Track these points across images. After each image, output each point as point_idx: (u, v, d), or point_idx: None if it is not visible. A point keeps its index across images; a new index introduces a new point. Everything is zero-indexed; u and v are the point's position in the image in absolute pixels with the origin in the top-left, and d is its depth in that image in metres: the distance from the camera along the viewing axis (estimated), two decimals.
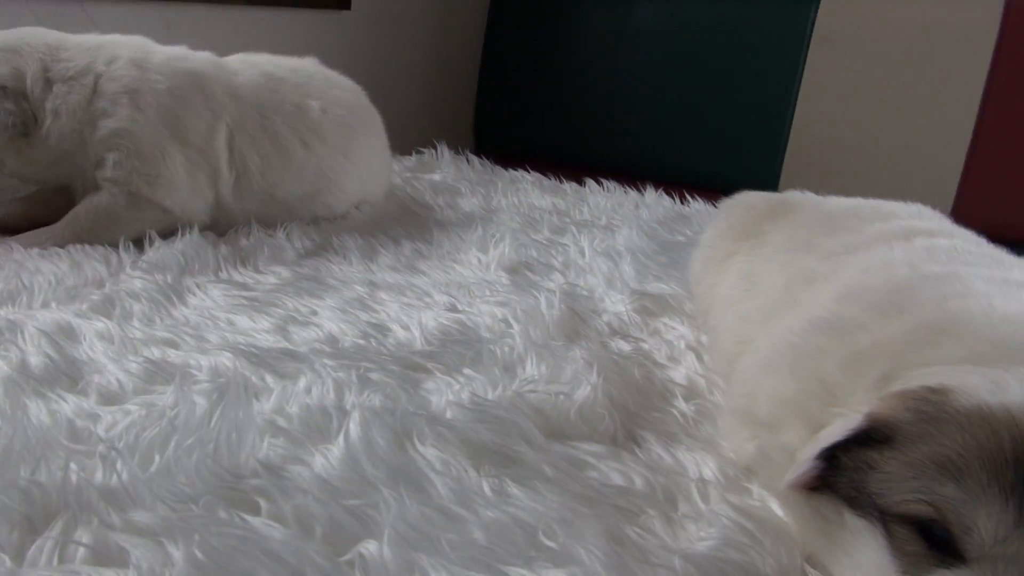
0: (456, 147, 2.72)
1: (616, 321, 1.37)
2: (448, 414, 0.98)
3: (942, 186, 2.73)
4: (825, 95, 2.89)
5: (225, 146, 1.66)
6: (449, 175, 2.46)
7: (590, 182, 2.45)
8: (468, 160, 2.64)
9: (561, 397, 1.03)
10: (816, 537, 0.75)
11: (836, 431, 0.73)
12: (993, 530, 0.60)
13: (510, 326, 1.28)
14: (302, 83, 1.85)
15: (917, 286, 0.85)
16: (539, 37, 3.10)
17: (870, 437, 0.71)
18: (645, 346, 1.27)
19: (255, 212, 1.72)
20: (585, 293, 1.49)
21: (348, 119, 1.89)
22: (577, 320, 1.31)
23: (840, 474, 0.72)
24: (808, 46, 2.88)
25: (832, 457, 0.73)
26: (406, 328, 1.27)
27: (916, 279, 0.87)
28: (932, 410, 0.68)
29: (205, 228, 1.66)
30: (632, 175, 2.57)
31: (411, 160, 2.63)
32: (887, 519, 0.67)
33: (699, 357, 1.24)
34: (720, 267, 1.25)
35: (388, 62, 3.04)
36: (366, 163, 1.96)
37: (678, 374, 1.17)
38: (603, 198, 2.30)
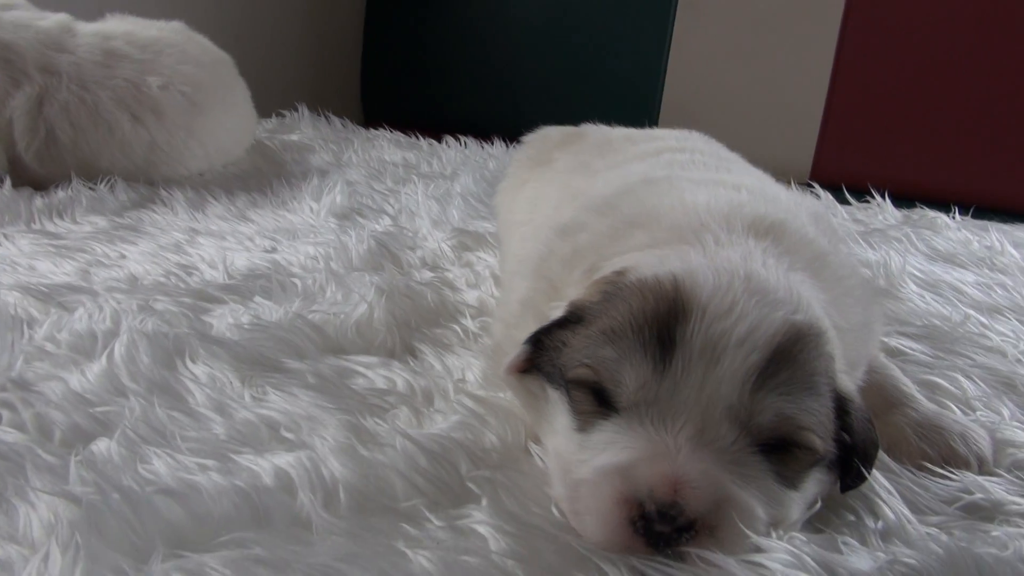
0: (342, 115, 2.72)
1: (430, 256, 1.42)
2: (227, 335, 1.01)
3: (803, 139, 2.91)
4: (693, 57, 3.02)
5: (24, 114, 1.68)
6: (307, 135, 2.46)
7: (449, 139, 2.49)
8: (329, 120, 2.64)
9: (341, 316, 1.07)
10: (531, 413, 0.82)
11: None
12: (635, 380, 0.68)
13: (319, 263, 1.31)
14: (147, 60, 1.87)
15: (634, 189, 0.93)
16: (421, 4, 3.13)
17: (568, 320, 0.78)
18: (449, 275, 1.32)
19: (74, 177, 1.73)
20: (409, 233, 1.54)
21: (196, 96, 1.91)
22: (386, 255, 1.35)
23: (543, 355, 0.79)
24: (675, 11, 3.00)
25: (539, 342, 0.80)
26: (213, 267, 1.28)
27: (636, 183, 0.95)
28: (611, 289, 0.76)
29: (22, 184, 1.65)
30: (516, 138, 2.65)
31: (271, 122, 2.61)
32: (569, 387, 0.74)
33: (498, 282, 1.30)
34: (515, 194, 1.32)
35: (264, 31, 3.01)
36: (215, 139, 1.97)
37: (471, 296, 1.23)
38: (456, 152, 2.35)
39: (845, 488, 0.75)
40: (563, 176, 1.19)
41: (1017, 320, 1.27)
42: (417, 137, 2.52)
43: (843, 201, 2.10)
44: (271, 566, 0.61)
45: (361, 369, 0.98)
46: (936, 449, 0.84)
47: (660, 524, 0.63)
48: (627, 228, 0.85)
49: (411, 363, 1.02)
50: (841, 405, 0.73)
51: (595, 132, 1.35)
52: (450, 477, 0.76)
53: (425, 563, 0.63)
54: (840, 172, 2.84)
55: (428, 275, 1.30)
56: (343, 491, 0.72)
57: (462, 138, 2.49)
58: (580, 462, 0.71)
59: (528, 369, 0.82)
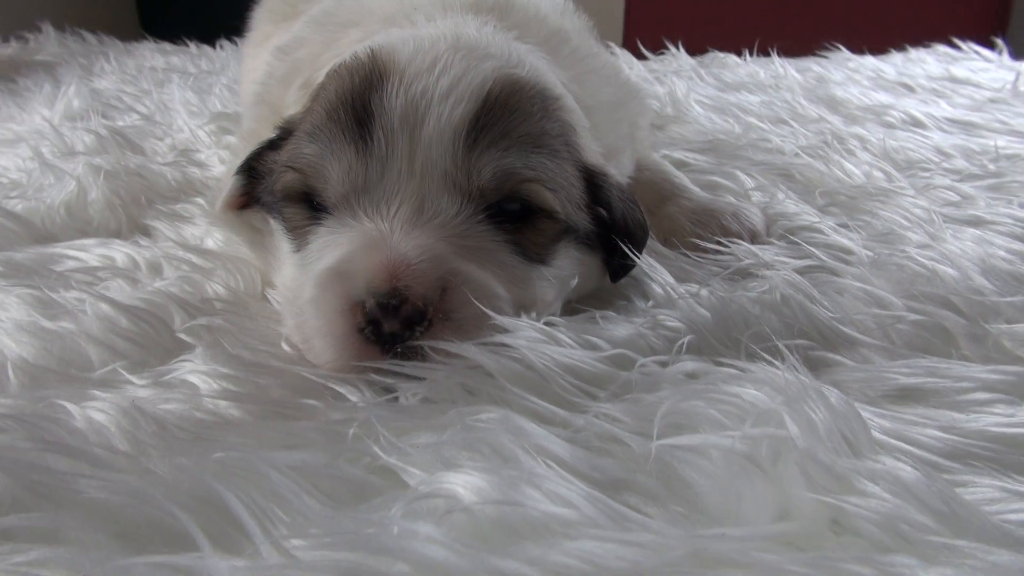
0: (117, 33, 2.38)
1: (183, 143, 1.24)
2: None
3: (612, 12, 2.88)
4: None
5: None
6: (52, 54, 2.14)
7: (225, 42, 2.24)
8: (83, 38, 2.31)
9: (45, 203, 0.90)
10: (258, 253, 0.70)
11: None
12: (339, 169, 0.58)
13: (35, 162, 1.11)
14: None
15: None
16: None
17: (280, 139, 0.67)
18: (200, 156, 1.16)
19: None
20: (162, 126, 1.34)
21: None
22: (124, 144, 1.16)
23: (260, 185, 0.67)
24: None
25: (252, 171, 0.68)
26: None
27: None
28: (317, 90, 0.65)
29: None
30: None
31: (9, 47, 2.25)
32: (280, 206, 0.63)
33: None
34: (258, 51, 1.16)
35: None
36: None
37: (222, 171, 1.08)
38: (231, 52, 2.12)
39: (615, 276, 0.69)
40: (306, 20, 1.04)
41: (797, 123, 1.27)
42: (187, 44, 2.25)
43: (641, 57, 2.06)
44: None
45: (72, 252, 0.82)
46: (709, 230, 0.80)
47: (387, 320, 0.54)
48: (342, 30, 0.74)
49: (140, 241, 0.87)
50: (592, 179, 0.66)
51: None
52: (158, 334, 0.63)
53: (96, 415, 0.50)
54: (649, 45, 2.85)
55: (172, 157, 1.13)
56: (12, 370, 0.58)
57: (239, 40, 2.24)
58: (302, 284, 0.60)
59: (247, 204, 0.70)
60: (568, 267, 0.64)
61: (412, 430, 0.50)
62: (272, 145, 0.67)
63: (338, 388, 0.57)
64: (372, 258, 0.54)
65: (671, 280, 0.67)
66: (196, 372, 0.58)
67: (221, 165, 1.11)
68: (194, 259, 0.75)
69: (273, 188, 0.63)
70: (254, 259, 0.73)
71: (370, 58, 0.60)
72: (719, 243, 0.77)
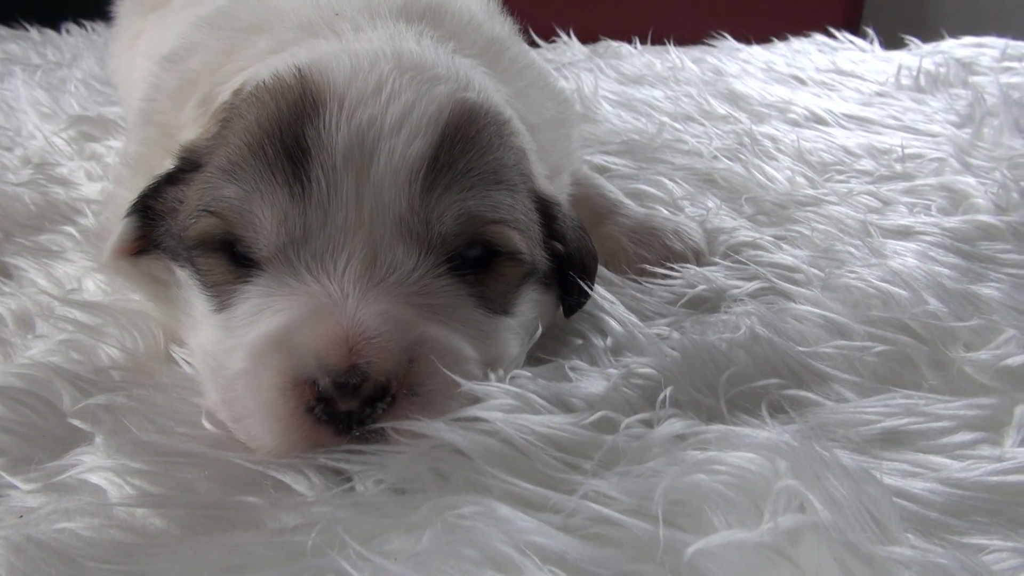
0: None
1: (37, 154, 1.07)
2: None
3: None
4: None
5: None
6: None
7: (71, 25, 2.00)
8: None
9: None
10: (161, 306, 0.60)
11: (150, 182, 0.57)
12: (271, 216, 0.49)
13: None
14: None
15: None
16: None
17: (182, 171, 0.56)
18: (63, 170, 1.01)
19: None
20: (8, 132, 1.16)
21: None
22: None
23: (159, 227, 0.57)
24: None
25: (147, 209, 0.57)
26: None
27: None
28: (228, 114, 0.55)
29: None
30: None
31: None
32: (194, 256, 0.53)
33: None
34: (130, 51, 1.02)
35: None
36: None
37: (94, 190, 0.94)
38: (80, 38, 1.89)
39: (569, 311, 0.64)
40: (184, 13, 0.92)
41: (708, 122, 1.26)
42: (26, 28, 1.99)
43: (531, 44, 2.01)
44: None
45: None
46: (653, 251, 0.77)
47: (343, 401, 0.46)
48: (245, 37, 0.63)
49: (1, 286, 0.73)
50: (547, 210, 0.60)
51: None
52: (44, 420, 0.52)
53: None
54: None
55: (27, 174, 0.97)
56: None
57: (88, 23, 2.01)
58: (229, 350, 0.51)
59: (144, 249, 0.59)
60: (530, 312, 0.58)
61: (382, 532, 0.43)
62: (171, 179, 0.57)
63: (280, 477, 0.48)
64: (323, 328, 0.46)
65: (632, 319, 0.63)
66: (99, 470, 0.48)
67: (90, 182, 0.97)
68: (76, 315, 0.64)
69: (182, 234, 0.53)
70: (155, 312, 0.62)
71: (298, 80, 0.51)
72: (669, 267, 0.73)
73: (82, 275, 0.74)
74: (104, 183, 0.96)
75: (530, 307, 0.58)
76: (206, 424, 0.52)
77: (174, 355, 0.60)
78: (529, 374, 0.55)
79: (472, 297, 0.52)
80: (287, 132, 0.48)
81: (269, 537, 0.43)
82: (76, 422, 0.52)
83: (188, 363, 0.58)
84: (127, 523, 0.44)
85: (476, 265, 0.52)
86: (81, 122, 1.17)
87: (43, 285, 0.72)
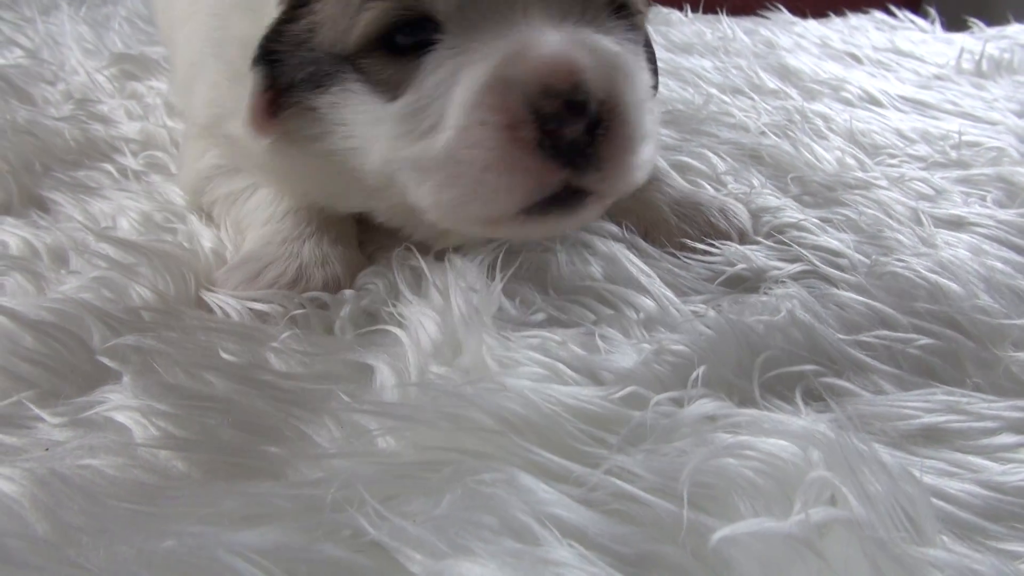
0: None
1: (79, 89, 1.07)
2: None
3: None
4: None
5: None
6: None
7: None
8: None
9: None
10: (317, 163, 0.61)
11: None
12: None
13: None
14: None
15: None
16: None
17: (295, 10, 0.57)
18: (103, 108, 1.01)
19: None
20: (51, 66, 1.16)
21: None
22: (8, 91, 0.99)
23: (288, 70, 0.58)
24: None
25: (273, 62, 0.58)
26: None
27: None
28: None
29: None
30: None
31: None
32: (355, 63, 0.54)
33: (172, 110, 1.01)
34: None
35: None
36: None
37: (133, 129, 0.94)
38: None
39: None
40: None
41: (757, 96, 1.22)
42: None
43: None
44: None
45: None
46: (696, 227, 0.74)
47: (572, 124, 0.48)
48: None
49: (36, 217, 0.74)
50: None
51: None
52: (73, 356, 0.53)
53: (3, 487, 0.40)
54: None
55: (68, 109, 0.97)
56: None
57: None
58: (429, 128, 0.52)
59: (275, 112, 0.59)
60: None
61: (402, 492, 0.43)
62: (289, 14, 0.57)
63: (304, 428, 0.48)
64: (535, 57, 0.48)
65: (668, 293, 0.61)
66: (125, 409, 0.48)
67: (130, 121, 0.97)
68: (110, 252, 0.64)
69: (340, 44, 0.54)
70: (188, 259, 0.62)
71: None
72: (710, 244, 0.71)
73: (117, 213, 0.74)
74: (142, 123, 0.96)
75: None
76: (223, 355, 0.52)
77: (205, 299, 0.60)
78: (559, 339, 0.54)
79: (629, 39, 0.55)
80: None
81: (288, 489, 0.42)
82: (105, 360, 0.52)
83: (221, 309, 0.58)
84: (150, 464, 0.45)
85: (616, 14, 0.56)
86: (123, 60, 1.17)
87: (79, 221, 0.73)
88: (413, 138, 0.53)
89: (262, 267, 0.62)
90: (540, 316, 0.60)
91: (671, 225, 0.74)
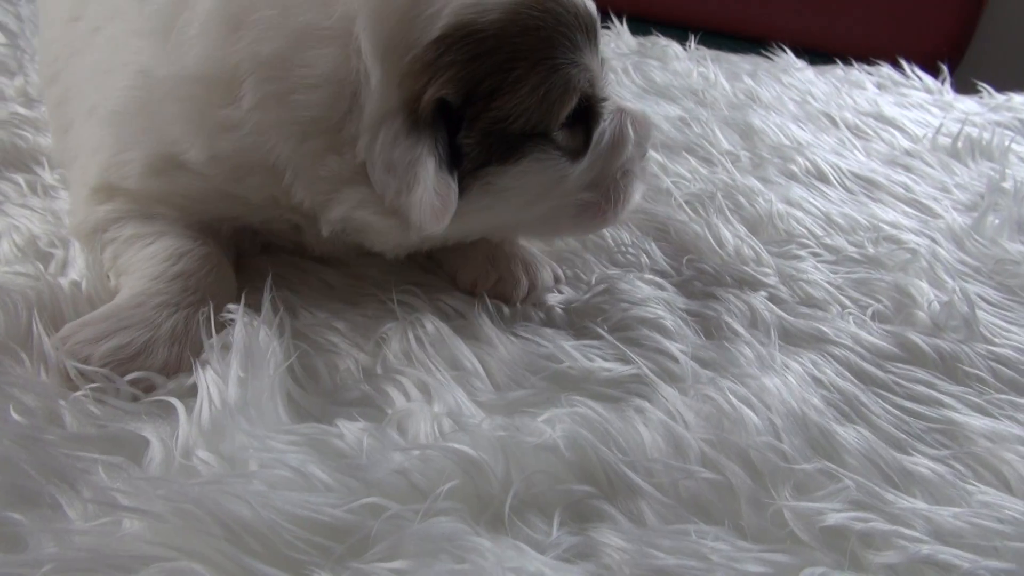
0: None
1: (37, 84, 1.12)
2: None
3: None
4: None
5: None
6: None
7: None
8: None
9: None
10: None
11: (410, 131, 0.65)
12: (593, 64, 0.72)
13: None
14: None
15: None
16: None
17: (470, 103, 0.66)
18: (43, 112, 1.05)
19: None
20: (27, 53, 1.21)
21: None
22: None
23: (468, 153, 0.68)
24: None
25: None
26: None
27: None
28: (474, 35, 0.65)
29: None
30: None
31: None
32: (556, 134, 0.70)
33: None
34: None
35: None
36: None
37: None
38: None
39: None
40: None
41: (701, 158, 1.22)
42: None
43: None
44: None
45: None
46: (496, 271, 0.80)
47: None
48: None
49: None
50: None
51: None
52: None
53: None
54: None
55: (6, 112, 1.02)
56: None
57: None
58: (592, 169, 0.74)
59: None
60: None
61: None
62: (459, 117, 0.67)
63: (59, 497, 0.52)
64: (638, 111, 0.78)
65: (463, 399, 0.63)
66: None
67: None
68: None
69: (545, 120, 0.68)
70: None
71: None
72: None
73: (5, 232, 0.78)
74: None
75: None
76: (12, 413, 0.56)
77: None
78: (328, 436, 0.56)
79: None
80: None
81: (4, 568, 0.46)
82: None
83: None
84: None
85: None
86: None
87: None
88: (581, 179, 0.73)
89: (112, 331, 0.63)
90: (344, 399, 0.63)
91: (476, 266, 0.80)
